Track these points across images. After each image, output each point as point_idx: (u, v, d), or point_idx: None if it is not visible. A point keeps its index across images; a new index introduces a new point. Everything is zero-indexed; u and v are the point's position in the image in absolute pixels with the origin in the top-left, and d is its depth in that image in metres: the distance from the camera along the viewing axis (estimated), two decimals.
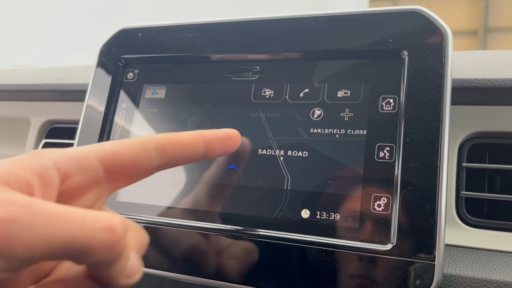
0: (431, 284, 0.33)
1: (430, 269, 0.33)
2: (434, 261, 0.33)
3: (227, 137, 0.34)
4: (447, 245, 0.41)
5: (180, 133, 0.32)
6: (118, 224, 0.22)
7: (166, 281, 0.47)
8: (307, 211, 0.38)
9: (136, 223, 0.29)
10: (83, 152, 0.27)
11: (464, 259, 0.39)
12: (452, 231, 0.42)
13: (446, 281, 0.38)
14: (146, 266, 0.40)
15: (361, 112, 0.39)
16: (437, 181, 0.34)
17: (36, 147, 0.65)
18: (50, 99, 0.65)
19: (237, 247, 0.39)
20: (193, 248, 0.40)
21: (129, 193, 0.45)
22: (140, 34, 0.49)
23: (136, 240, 0.26)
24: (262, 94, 0.43)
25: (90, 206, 0.28)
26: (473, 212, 0.43)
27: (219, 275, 0.38)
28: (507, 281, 0.36)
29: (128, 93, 0.48)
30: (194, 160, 0.33)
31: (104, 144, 0.28)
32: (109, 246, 0.22)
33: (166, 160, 0.30)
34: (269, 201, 0.39)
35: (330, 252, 0.36)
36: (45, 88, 0.62)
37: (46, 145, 0.63)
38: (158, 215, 0.42)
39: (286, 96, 0.42)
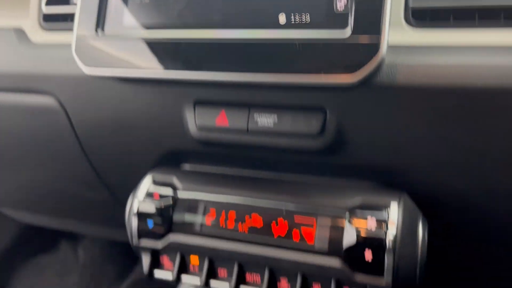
0: (377, 52, 0.42)
1: (376, 41, 0.42)
2: (380, 34, 0.42)
3: None
4: (393, 46, 0.50)
5: None
6: None
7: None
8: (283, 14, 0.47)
9: None
10: None
11: (408, 53, 0.49)
12: (399, 34, 0.50)
13: (389, 70, 0.47)
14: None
15: None
16: None
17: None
18: None
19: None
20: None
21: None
22: None
23: None
24: None
25: None
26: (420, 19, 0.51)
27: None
28: (445, 64, 0.46)
29: None
30: None
31: None
32: None
33: None
34: None
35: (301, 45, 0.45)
36: None
37: None
38: None
39: None
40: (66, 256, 1.40)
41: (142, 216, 0.56)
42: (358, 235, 0.48)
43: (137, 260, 1.46)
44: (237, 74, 0.48)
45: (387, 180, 0.54)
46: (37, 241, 1.39)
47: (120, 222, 0.63)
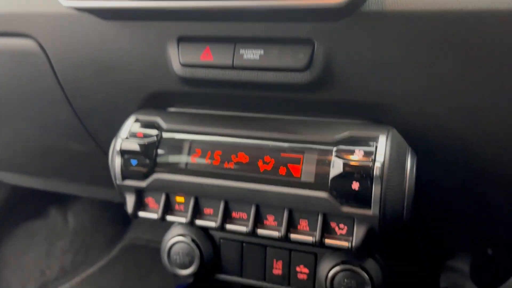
0: None
1: None
2: None
3: None
4: None
5: None
6: None
7: None
8: None
9: None
10: None
11: None
12: None
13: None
14: None
15: None
16: None
17: None
18: None
19: None
20: None
21: None
22: None
23: None
24: None
25: None
26: None
27: None
28: None
29: None
30: None
31: None
32: None
33: None
34: None
35: None
36: None
37: None
38: None
39: None
40: (56, 222, 1.39)
41: (125, 154, 0.55)
42: (345, 167, 0.47)
43: (128, 226, 1.46)
44: (220, 1, 0.46)
45: (376, 117, 0.53)
46: (25, 207, 1.38)
47: (108, 178, 0.61)
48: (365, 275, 0.54)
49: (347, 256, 0.55)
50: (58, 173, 0.98)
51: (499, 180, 0.56)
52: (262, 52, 0.51)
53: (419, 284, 1.09)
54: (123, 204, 0.58)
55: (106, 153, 0.69)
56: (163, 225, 0.63)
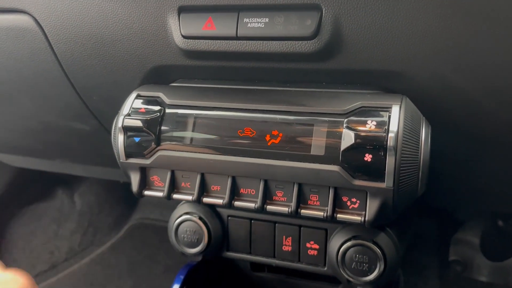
0: None
1: None
2: None
3: None
4: None
5: None
6: None
7: None
8: None
9: None
10: None
11: None
12: None
13: None
14: None
15: None
16: None
17: None
18: None
19: None
20: None
21: None
22: None
23: None
24: None
25: None
26: None
27: None
28: None
29: None
30: None
31: None
32: None
33: None
34: None
35: None
36: None
37: None
38: None
39: None
40: (63, 204, 1.39)
41: (128, 132, 0.53)
42: (357, 138, 0.45)
43: (135, 206, 1.46)
44: None
45: (388, 86, 0.51)
46: (32, 189, 1.37)
47: (113, 158, 0.59)
48: (378, 250, 0.53)
49: (358, 231, 0.54)
50: (62, 154, 0.97)
51: (507, 152, 0.54)
52: (267, 20, 0.49)
53: (428, 257, 1.08)
54: (129, 184, 0.57)
55: (109, 132, 0.67)
56: (170, 204, 0.61)
